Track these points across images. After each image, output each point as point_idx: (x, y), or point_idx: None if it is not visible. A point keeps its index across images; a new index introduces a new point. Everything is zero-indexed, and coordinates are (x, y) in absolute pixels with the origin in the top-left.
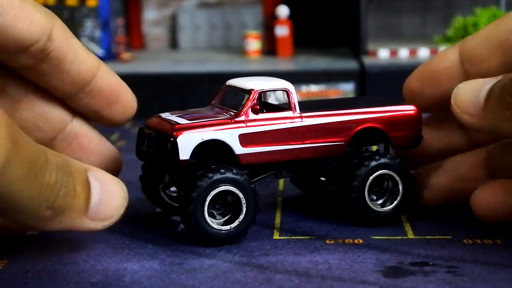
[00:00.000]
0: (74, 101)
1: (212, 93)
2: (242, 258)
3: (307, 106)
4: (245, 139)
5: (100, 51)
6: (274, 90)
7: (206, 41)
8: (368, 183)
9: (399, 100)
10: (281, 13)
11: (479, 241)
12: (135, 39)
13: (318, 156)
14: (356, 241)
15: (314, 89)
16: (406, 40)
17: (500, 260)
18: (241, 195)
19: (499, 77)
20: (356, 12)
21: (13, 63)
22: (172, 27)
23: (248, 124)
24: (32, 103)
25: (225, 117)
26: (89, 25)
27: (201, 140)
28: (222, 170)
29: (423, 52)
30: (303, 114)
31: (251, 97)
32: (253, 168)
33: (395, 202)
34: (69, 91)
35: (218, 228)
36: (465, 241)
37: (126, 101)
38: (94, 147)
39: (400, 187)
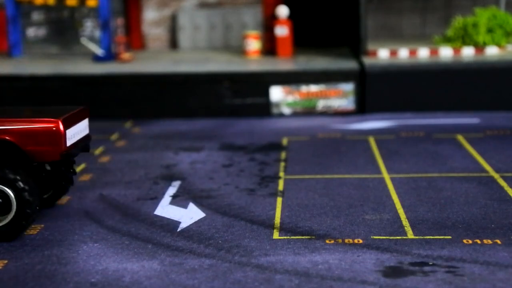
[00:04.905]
0: None
1: (211, 93)
2: (242, 258)
3: None
4: None
5: (100, 51)
6: None
7: (206, 41)
8: None
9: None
10: (281, 13)
11: (479, 241)
12: (135, 39)
13: None
14: (356, 241)
15: (313, 89)
16: (406, 40)
17: (500, 260)
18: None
19: None
20: (356, 12)
21: None
22: (172, 27)
23: None
24: None
25: None
26: (89, 25)
27: None
28: None
29: (423, 52)
30: None
31: None
32: None
33: (7, 219)
34: None
35: None
36: (465, 241)
37: None
38: None
39: (13, 203)
